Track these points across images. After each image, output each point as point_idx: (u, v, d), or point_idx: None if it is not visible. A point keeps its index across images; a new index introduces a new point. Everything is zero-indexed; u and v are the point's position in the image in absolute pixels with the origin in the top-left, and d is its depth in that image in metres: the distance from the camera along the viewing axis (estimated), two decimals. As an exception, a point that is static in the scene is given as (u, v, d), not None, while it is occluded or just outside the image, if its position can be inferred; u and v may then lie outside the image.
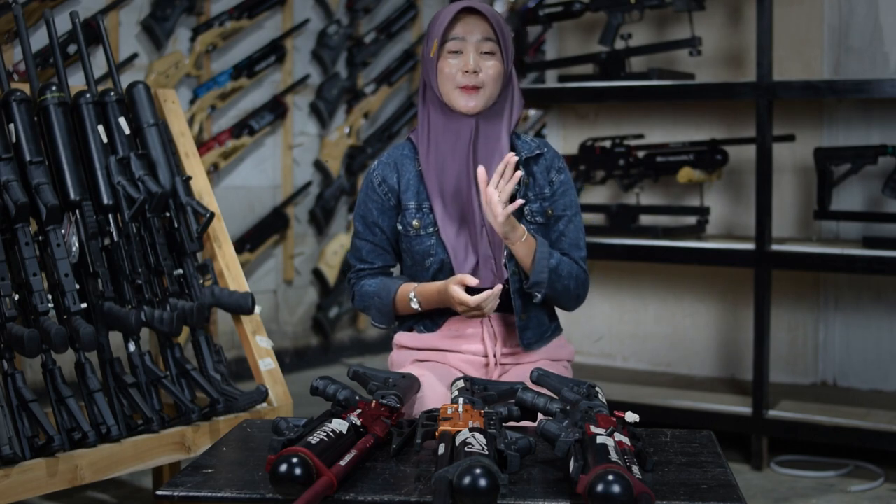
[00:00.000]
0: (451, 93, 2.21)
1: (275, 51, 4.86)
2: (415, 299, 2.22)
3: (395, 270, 2.38)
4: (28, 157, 2.54)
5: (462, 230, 2.23)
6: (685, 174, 3.67)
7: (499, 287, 2.12)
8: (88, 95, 2.73)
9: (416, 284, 2.24)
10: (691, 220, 3.81)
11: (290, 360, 5.02)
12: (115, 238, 2.67)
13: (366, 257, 2.32)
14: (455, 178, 2.23)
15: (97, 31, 3.19)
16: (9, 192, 2.46)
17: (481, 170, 2.12)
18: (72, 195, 2.61)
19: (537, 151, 2.30)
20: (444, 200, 2.23)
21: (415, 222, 2.25)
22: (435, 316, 2.29)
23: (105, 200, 2.68)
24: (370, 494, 1.62)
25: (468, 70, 2.18)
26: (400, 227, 2.28)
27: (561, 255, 2.25)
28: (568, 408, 1.81)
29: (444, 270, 2.24)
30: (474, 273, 2.23)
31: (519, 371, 2.26)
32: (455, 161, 2.22)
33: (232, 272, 2.88)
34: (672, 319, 4.06)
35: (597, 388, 1.92)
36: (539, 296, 2.21)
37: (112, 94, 2.78)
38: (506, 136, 2.26)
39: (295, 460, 1.56)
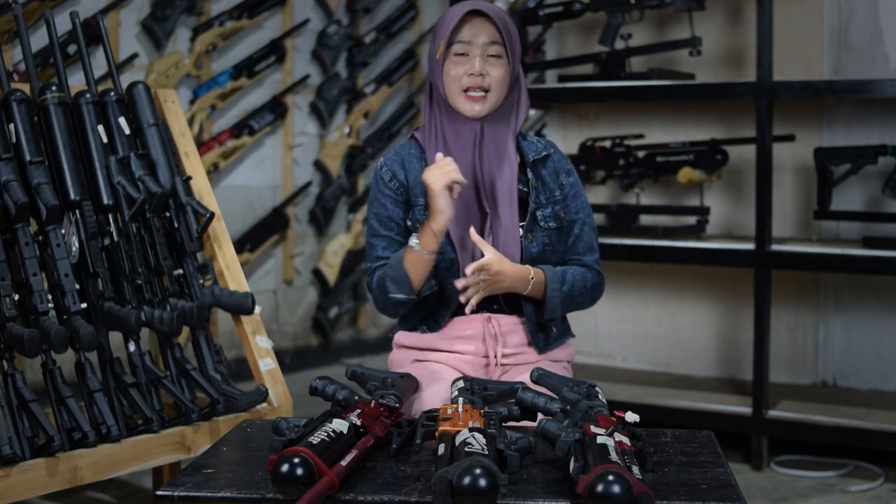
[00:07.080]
0: (456, 96, 2.21)
1: (275, 51, 4.86)
2: (414, 240, 2.15)
3: None
4: (28, 157, 2.54)
5: (469, 228, 2.22)
6: (685, 174, 3.66)
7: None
8: (88, 95, 2.73)
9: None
10: (691, 220, 3.81)
11: (290, 360, 5.02)
12: (115, 238, 2.67)
13: (381, 254, 2.28)
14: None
15: (97, 31, 3.19)
16: (9, 192, 2.46)
17: (475, 237, 2.15)
18: (72, 195, 2.61)
19: (544, 153, 2.31)
20: (452, 199, 2.22)
21: (424, 219, 2.25)
22: (437, 316, 2.29)
23: (105, 200, 2.68)
24: (370, 494, 1.62)
25: (474, 73, 2.18)
26: (409, 223, 2.26)
27: (574, 269, 2.28)
28: (568, 408, 1.81)
29: (454, 268, 2.23)
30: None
31: (519, 371, 2.26)
32: (461, 162, 2.21)
33: (232, 272, 2.88)
34: (672, 319, 4.05)
35: (597, 388, 1.92)
36: (555, 329, 2.30)
37: (112, 94, 2.78)
38: (511, 137, 2.27)
39: (297, 460, 1.56)
